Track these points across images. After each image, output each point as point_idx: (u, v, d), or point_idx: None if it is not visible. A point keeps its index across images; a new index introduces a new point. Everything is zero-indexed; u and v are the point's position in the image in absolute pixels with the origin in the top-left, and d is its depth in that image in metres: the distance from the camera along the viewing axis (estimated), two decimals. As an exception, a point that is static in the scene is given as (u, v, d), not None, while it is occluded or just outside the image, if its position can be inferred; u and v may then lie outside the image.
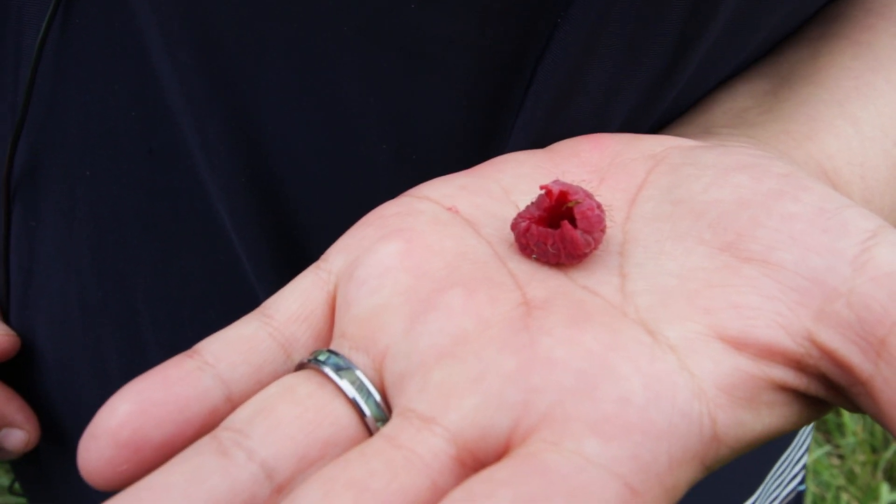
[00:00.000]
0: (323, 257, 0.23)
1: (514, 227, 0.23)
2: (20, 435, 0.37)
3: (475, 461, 0.19)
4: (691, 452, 0.18)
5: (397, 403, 0.20)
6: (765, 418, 0.20)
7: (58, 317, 0.36)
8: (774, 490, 0.47)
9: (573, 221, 0.22)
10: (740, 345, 0.20)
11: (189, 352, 0.21)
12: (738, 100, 0.31)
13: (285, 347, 0.22)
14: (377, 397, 0.20)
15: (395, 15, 0.25)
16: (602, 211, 0.22)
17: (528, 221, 0.23)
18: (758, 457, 0.46)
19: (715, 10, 0.26)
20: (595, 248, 0.22)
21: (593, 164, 0.26)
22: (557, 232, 0.22)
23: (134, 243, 0.33)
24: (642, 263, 0.22)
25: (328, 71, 0.27)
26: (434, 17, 0.25)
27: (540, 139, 0.27)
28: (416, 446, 0.18)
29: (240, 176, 0.30)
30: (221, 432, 0.19)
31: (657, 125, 0.31)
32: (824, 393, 0.20)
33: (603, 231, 0.22)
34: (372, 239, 0.23)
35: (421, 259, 0.22)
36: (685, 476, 0.18)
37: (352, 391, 0.20)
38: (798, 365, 0.20)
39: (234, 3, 0.26)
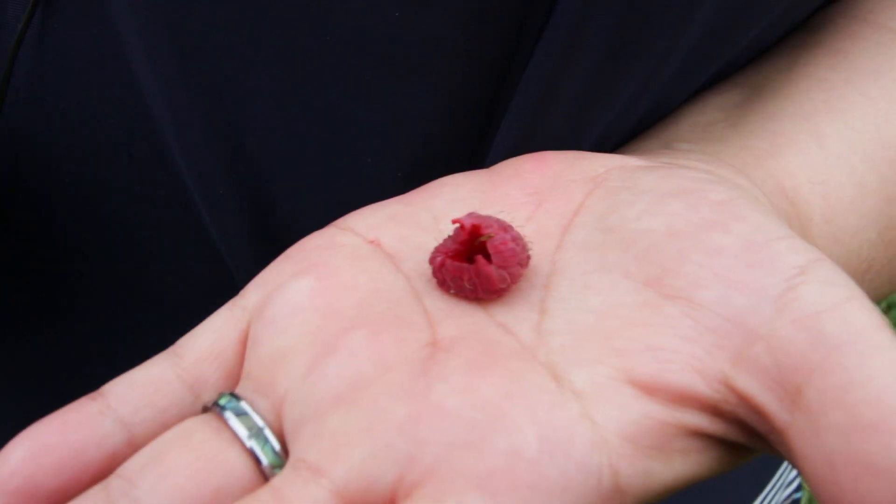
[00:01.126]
0: (241, 293, 0.23)
1: (431, 261, 0.22)
2: None
3: None
4: None
5: (292, 451, 0.19)
6: (677, 466, 0.19)
7: None
8: (773, 499, 0.46)
9: (488, 256, 0.21)
10: (652, 390, 0.19)
11: (93, 394, 0.21)
12: (707, 112, 0.30)
13: (193, 388, 0.21)
14: (275, 444, 0.20)
15: (379, 22, 0.24)
16: (520, 244, 0.21)
17: (443, 256, 0.22)
18: (759, 465, 0.45)
19: (691, 17, 0.25)
20: (513, 283, 0.21)
21: (534, 185, 0.25)
22: (472, 267, 0.21)
23: (114, 251, 0.33)
24: (565, 298, 0.21)
25: (312, 79, 0.26)
26: (418, 24, 0.24)
27: (519, 147, 0.27)
28: (300, 500, 0.18)
29: (223, 183, 0.29)
30: (113, 480, 0.19)
31: (629, 135, 0.30)
32: (744, 438, 0.19)
33: (522, 265, 0.21)
34: (286, 275, 0.22)
35: (332, 297, 0.21)
36: None
37: (247, 438, 0.19)
38: (714, 410, 0.19)
39: (216, 9, 0.26)
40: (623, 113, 0.28)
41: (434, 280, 0.22)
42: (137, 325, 0.35)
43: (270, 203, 0.30)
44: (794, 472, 0.48)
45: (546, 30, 0.24)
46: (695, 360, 0.19)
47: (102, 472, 0.20)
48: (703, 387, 0.18)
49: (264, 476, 0.19)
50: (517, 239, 0.21)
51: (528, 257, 0.22)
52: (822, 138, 0.28)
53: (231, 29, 0.26)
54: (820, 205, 0.27)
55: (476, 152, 0.28)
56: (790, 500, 0.48)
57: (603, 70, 0.25)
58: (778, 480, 0.47)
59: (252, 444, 0.19)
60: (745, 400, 0.18)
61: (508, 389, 0.19)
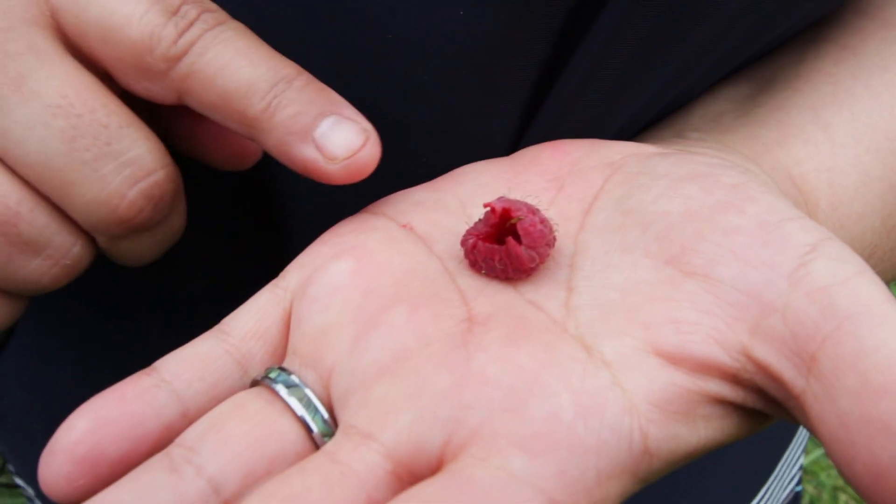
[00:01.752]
0: (281, 275, 0.24)
1: (462, 243, 0.23)
2: None
3: (411, 475, 0.19)
4: (621, 467, 0.19)
5: (341, 419, 0.20)
6: (701, 431, 0.20)
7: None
8: (776, 492, 0.47)
9: (518, 237, 0.22)
10: (676, 360, 0.20)
11: (147, 369, 0.22)
12: (718, 103, 0.31)
13: (241, 364, 0.23)
14: (324, 413, 0.21)
15: (441, 21, 0.25)
16: (547, 226, 0.23)
17: (475, 238, 0.23)
18: (760, 457, 0.46)
19: (727, 21, 0.26)
20: (542, 263, 0.23)
21: (553, 171, 0.26)
22: (503, 248, 0.22)
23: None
24: (590, 276, 0.22)
25: (359, 80, 0.27)
26: (480, 23, 0.25)
27: (546, 138, 0.28)
28: (354, 462, 0.19)
29: (235, 183, 0.30)
30: (174, 449, 0.20)
31: (647, 125, 0.31)
32: (762, 405, 0.20)
33: (549, 245, 0.23)
34: (325, 257, 0.24)
35: (370, 276, 0.23)
36: (615, 489, 0.19)
37: (299, 408, 0.21)
38: (734, 379, 0.20)
39: (275, 7, 0.26)
40: (646, 106, 0.29)
41: (466, 261, 0.24)
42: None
43: (281, 204, 0.30)
44: (797, 466, 0.49)
45: (590, 31, 0.25)
46: (715, 331, 0.20)
47: (160, 441, 0.21)
48: (724, 356, 0.20)
49: (315, 444, 0.21)
50: (545, 221, 0.23)
51: (555, 238, 0.23)
52: (828, 128, 0.29)
53: (287, 25, 0.27)
54: (826, 192, 0.28)
55: (513, 146, 0.29)
56: (792, 493, 0.49)
57: (635, 69, 0.27)
58: (780, 473, 0.48)
59: (303, 413, 0.21)
60: (763, 368, 0.19)
61: (543, 359, 0.20)
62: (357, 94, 0.26)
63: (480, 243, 0.23)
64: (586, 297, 0.22)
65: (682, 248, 0.21)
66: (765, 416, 0.21)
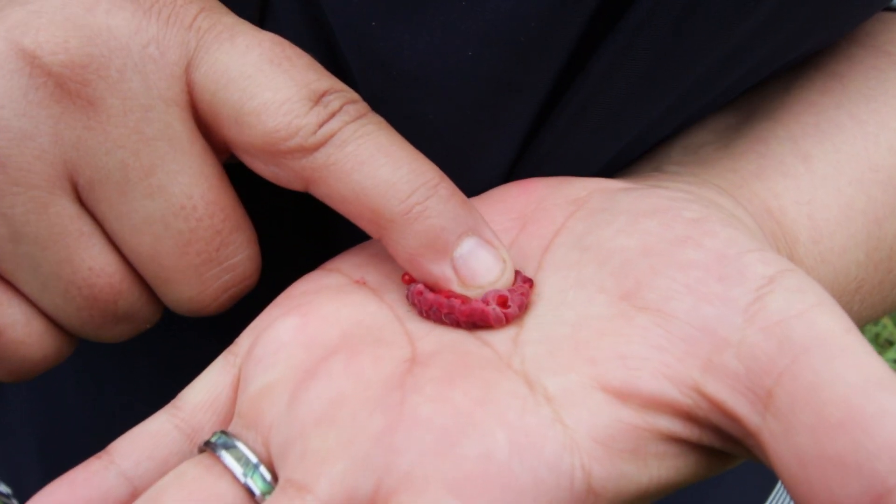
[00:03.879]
0: (234, 342, 0.24)
1: (407, 295, 0.23)
2: None
3: None
4: None
5: (281, 475, 0.20)
6: (653, 470, 0.19)
7: None
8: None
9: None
10: (623, 395, 0.19)
11: (100, 453, 0.22)
12: (700, 134, 0.31)
13: (191, 437, 0.22)
14: (265, 474, 0.20)
15: (451, 63, 0.25)
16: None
17: (420, 285, 0.22)
18: (760, 476, 0.45)
19: (728, 61, 0.26)
20: (508, 322, 0.22)
21: (518, 210, 0.25)
22: (453, 301, 0.22)
23: None
24: (542, 313, 0.22)
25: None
26: (489, 63, 0.24)
27: (539, 169, 0.27)
28: None
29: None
30: None
31: (628, 158, 0.30)
32: (720, 443, 0.19)
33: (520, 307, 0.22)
34: (273, 317, 0.23)
35: (315, 331, 0.22)
36: None
37: (237, 469, 0.20)
38: (687, 416, 0.19)
39: None
40: (637, 140, 0.29)
41: (413, 309, 0.23)
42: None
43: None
44: None
45: (584, 69, 0.25)
46: (665, 367, 0.19)
47: None
48: (675, 393, 0.19)
49: None
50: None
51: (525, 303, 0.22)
52: (808, 160, 0.28)
53: None
54: (806, 225, 0.27)
55: (507, 177, 0.28)
56: None
57: (628, 106, 0.26)
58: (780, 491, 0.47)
59: (242, 474, 0.20)
60: (716, 405, 0.18)
61: (480, 396, 0.19)
62: None
63: (426, 291, 0.22)
64: (535, 333, 0.21)
65: (636, 283, 0.21)
66: (726, 455, 0.20)
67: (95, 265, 0.22)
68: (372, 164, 0.22)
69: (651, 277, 0.21)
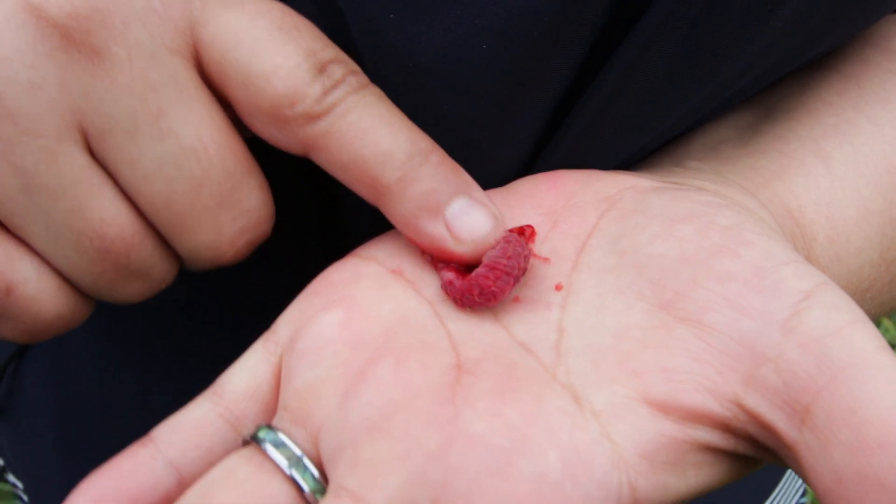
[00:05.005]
0: (272, 328, 0.24)
1: (442, 287, 0.24)
2: None
3: None
4: None
5: (332, 478, 0.20)
6: (690, 479, 0.20)
7: None
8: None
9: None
10: (666, 409, 0.20)
11: (143, 439, 0.22)
12: (720, 131, 0.31)
13: (235, 426, 0.23)
14: (314, 472, 0.21)
15: (466, 55, 0.25)
16: (513, 260, 0.23)
17: (452, 274, 0.23)
18: (764, 473, 0.45)
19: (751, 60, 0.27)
20: (506, 291, 0.23)
21: (548, 205, 0.26)
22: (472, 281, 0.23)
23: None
24: (582, 319, 0.22)
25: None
26: (504, 56, 0.25)
27: (562, 164, 0.28)
28: None
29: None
30: None
31: (647, 153, 0.31)
32: (754, 452, 0.20)
33: (511, 276, 0.23)
34: (315, 308, 0.24)
35: (359, 328, 0.23)
36: None
37: (288, 468, 0.21)
38: (726, 428, 0.20)
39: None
40: (657, 137, 0.29)
41: (450, 300, 0.24)
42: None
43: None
44: (799, 482, 0.49)
45: (608, 63, 0.25)
46: (707, 380, 0.20)
47: None
48: (716, 406, 0.19)
49: (307, 503, 0.21)
50: (512, 255, 0.23)
51: (522, 269, 0.23)
52: (828, 161, 0.29)
53: None
54: (824, 225, 0.28)
55: (525, 170, 0.29)
56: None
57: (650, 104, 0.27)
58: (783, 486, 0.47)
59: (293, 472, 0.21)
60: (755, 418, 0.19)
61: (531, 413, 0.20)
62: None
63: (455, 280, 0.23)
64: (578, 341, 0.22)
65: (675, 294, 0.21)
66: (756, 460, 0.21)
67: (107, 215, 0.22)
68: (372, 134, 0.23)
69: (690, 288, 0.21)
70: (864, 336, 0.19)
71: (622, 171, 0.27)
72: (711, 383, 0.20)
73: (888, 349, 0.19)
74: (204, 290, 0.34)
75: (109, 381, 0.40)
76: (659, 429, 0.19)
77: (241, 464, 0.21)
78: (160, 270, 0.24)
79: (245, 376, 0.23)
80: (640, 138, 0.28)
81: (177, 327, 0.35)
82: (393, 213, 0.23)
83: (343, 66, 0.23)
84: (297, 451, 0.21)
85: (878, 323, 1.35)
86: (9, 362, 0.43)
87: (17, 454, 0.47)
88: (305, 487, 0.21)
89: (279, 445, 0.21)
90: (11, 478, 0.49)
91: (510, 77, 0.25)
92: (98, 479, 0.22)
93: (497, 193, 0.27)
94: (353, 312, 0.23)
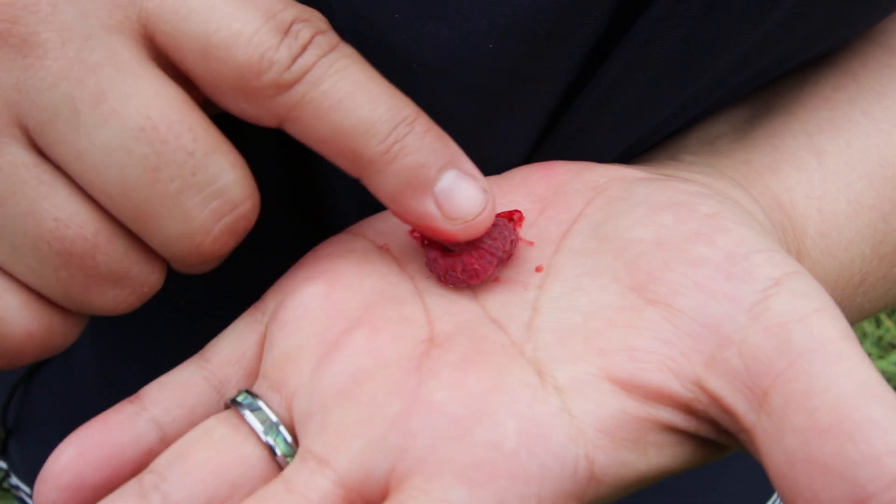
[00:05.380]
0: (261, 299, 0.25)
1: (426, 263, 0.24)
2: None
3: (364, 501, 0.20)
4: (564, 494, 0.19)
5: (301, 442, 0.21)
6: (651, 458, 0.20)
7: None
8: None
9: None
10: (629, 387, 0.20)
11: (132, 396, 0.23)
12: (716, 126, 0.31)
13: (218, 389, 0.24)
14: (286, 436, 0.22)
15: (471, 54, 0.25)
16: (500, 239, 0.24)
17: (434, 252, 0.24)
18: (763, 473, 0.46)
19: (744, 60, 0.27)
20: (489, 270, 0.23)
21: (539, 193, 0.26)
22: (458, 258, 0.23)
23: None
24: (556, 298, 0.23)
25: None
26: (509, 56, 0.25)
27: (557, 157, 0.28)
28: (308, 490, 0.20)
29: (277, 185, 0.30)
30: (146, 475, 0.21)
31: (644, 147, 0.31)
32: (715, 435, 0.20)
33: (495, 256, 0.23)
34: (299, 280, 0.24)
35: (339, 299, 0.23)
36: None
37: (262, 431, 0.21)
38: (687, 409, 0.20)
39: None
40: (654, 131, 0.29)
41: (433, 276, 0.24)
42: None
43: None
44: None
45: (608, 60, 0.26)
46: (671, 361, 0.20)
47: (139, 467, 0.22)
48: (678, 386, 0.20)
49: (279, 466, 0.21)
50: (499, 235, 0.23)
51: (509, 252, 0.24)
52: (821, 155, 0.29)
53: None
54: (815, 218, 0.28)
55: (526, 163, 0.29)
56: None
57: (648, 99, 0.27)
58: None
59: (266, 437, 0.21)
60: (716, 400, 0.19)
61: (493, 384, 0.20)
62: None
63: (440, 257, 0.24)
64: (549, 319, 0.22)
65: (648, 276, 0.22)
66: (720, 445, 0.21)
67: (62, 215, 0.21)
68: (349, 103, 0.21)
69: (662, 271, 0.21)
70: (829, 324, 0.19)
71: (615, 164, 0.27)
72: (675, 364, 0.20)
73: (853, 338, 0.19)
74: (207, 292, 0.35)
75: (114, 388, 0.40)
76: (620, 406, 0.20)
77: (218, 425, 0.22)
78: (139, 273, 0.22)
79: (231, 343, 0.24)
80: (637, 131, 0.28)
81: (178, 331, 0.36)
82: (378, 188, 0.22)
83: (309, 26, 0.21)
84: (272, 416, 0.22)
85: (878, 322, 1.35)
86: (17, 386, 0.44)
87: (27, 463, 0.48)
88: (278, 451, 0.21)
89: (255, 410, 0.22)
90: (14, 480, 0.50)
91: (514, 75, 0.25)
92: (85, 431, 0.22)
93: (491, 181, 0.27)
94: (334, 285, 0.24)
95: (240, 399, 0.22)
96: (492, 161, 0.28)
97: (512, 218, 0.25)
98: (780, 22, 0.26)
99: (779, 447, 0.18)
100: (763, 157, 0.29)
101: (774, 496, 0.47)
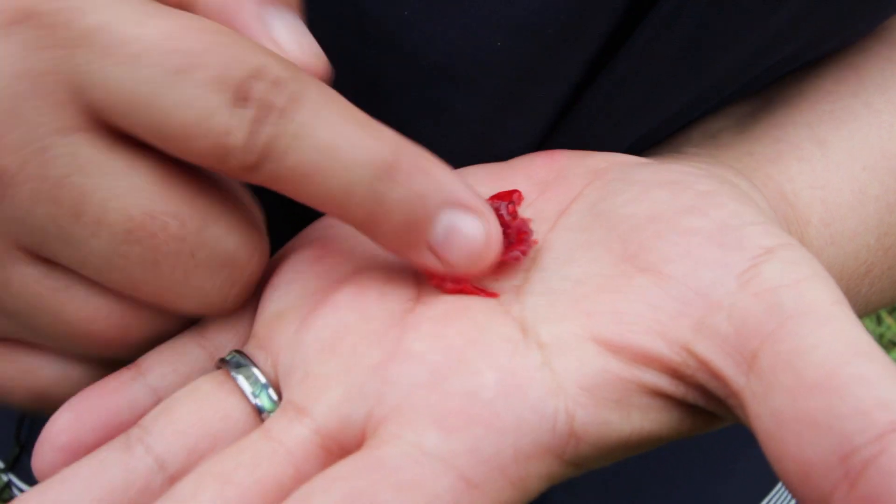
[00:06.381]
0: None
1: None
2: None
3: (340, 448, 0.20)
4: (542, 447, 0.19)
5: (284, 396, 0.21)
6: (635, 421, 0.20)
7: None
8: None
9: None
10: (614, 348, 0.20)
11: (130, 364, 0.24)
12: (718, 119, 0.31)
13: (213, 355, 0.24)
14: (271, 391, 0.22)
15: (478, 52, 0.25)
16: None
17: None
18: (761, 472, 0.46)
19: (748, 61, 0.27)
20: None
21: (540, 177, 0.26)
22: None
23: None
24: (548, 268, 0.23)
25: (392, 106, 0.27)
26: (517, 54, 0.25)
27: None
28: (285, 438, 0.20)
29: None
30: (133, 430, 0.21)
31: (650, 141, 0.31)
32: (704, 402, 0.20)
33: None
34: (294, 247, 0.24)
35: (330, 263, 0.23)
36: (535, 469, 0.19)
37: (247, 386, 0.21)
38: (675, 373, 0.20)
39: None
40: (658, 129, 0.29)
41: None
42: None
43: None
44: None
45: (614, 58, 0.26)
46: (658, 324, 0.20)
47: None
48: (665, 349, 0.20)
49: (263, 422, 0.21)
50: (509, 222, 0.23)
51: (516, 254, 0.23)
52: (824, 145, 0.29)
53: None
54: (819, 209, 0.28)
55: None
56: None
57: (654, 97, 0.27)
58: (780, 489, 0.47)
59: (251, 393, 0.21)
60: (704, 364, 0.19)
61: (474, 337, 0.20)
62: (389, 120, 0.25)
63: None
64: (538, 286, 0.22)
65: (639, 247, 0.22)
66: (711, 415, 0.21)
67: (86, 314, 0.21)
68: (319, 175, 0.19)
69: (654, 241, 0.21)
70: (820, 290, 0.19)
71: (617, 153, 0.27)
72: (662, 327, 0.20)
73: (844, 303, 0.19)
74: None
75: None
76: (604, 365, 0.20)
77: (204, 383, 0.22)
78: (169, 329, 0.23)
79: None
80: (644, 128, 0.28)
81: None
82: (375, 242, 0.21)
83: (264, 80, 0.19)
84: (257, 373, 0.22)
85: (879, 320, 1.35)
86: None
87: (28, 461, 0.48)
88: (263, 406, 0.21)
89: (241, 367, 0.22)
90: (21, 484, 0.50)
91: (523, 74, 0.25)
92: (83, 395, 0.23)
93: (494, 167, 0.27)
94: (326, 249, 0.24)
95: (228, 358, 0.22)
96: (498, 157, 0.28)
97: (511, 197, 0.25)
98: (789, 19, 0.26)
99: (767, 407, 0.18)
100: (765, 149, 0.29)
101: (772, 494, 0.47)
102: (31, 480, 0.49)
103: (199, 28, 0.19)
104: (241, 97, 0.19)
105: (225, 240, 0.21)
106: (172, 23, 0.18)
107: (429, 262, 0.21)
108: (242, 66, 0.19)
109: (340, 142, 0.19)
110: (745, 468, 0.44)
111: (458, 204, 0.21)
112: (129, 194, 0.20)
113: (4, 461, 0.48)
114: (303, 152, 0.19)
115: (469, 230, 0.21)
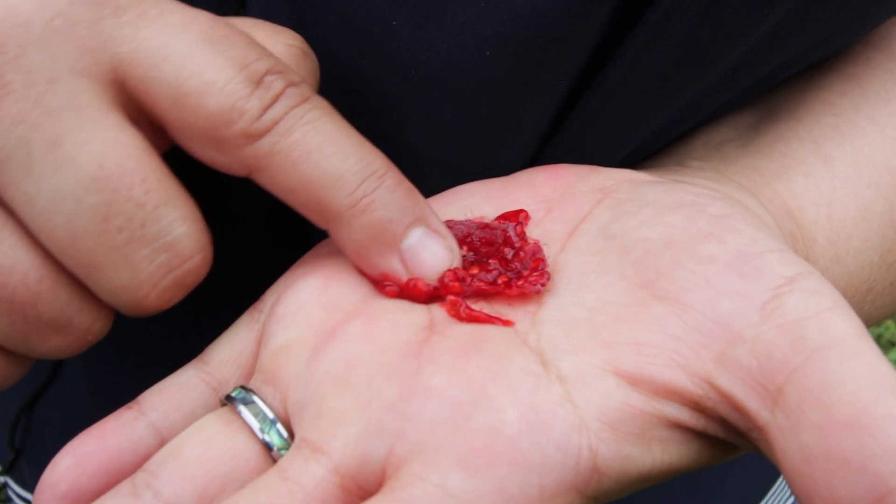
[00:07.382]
0: (260, 298, 0.24)
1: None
2: None
3: (359, 488, 0.19)
4: (566, 484, 0.18)
5: (297, 432, 0.20)
6: (657, 454, 0.19)
7: None
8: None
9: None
10: (635, 381, 0.19)
11: (130, 403, 0.23)
12: (721, 131, 0.31)
13: (216, 390, 0.23)
14: (281, 429, 0.21)
15: (468, 63, 0.25)
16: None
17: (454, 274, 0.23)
18: (762, 468, 0.45)
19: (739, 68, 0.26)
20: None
21: (545, 194, 0.26)
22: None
23: None
24: (562, 293, 0.22)
25: (383, 116, 0.27)
26: (506, 64, 0.24)
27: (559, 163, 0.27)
28: (302, 478, 0.19)
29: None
30: (139, 474, 0.20)
31: (647, 153, 0.31)
32: (725, 434, 0.20)
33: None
34: (297, 276, 0.24)
35: (337, 294, 0.23)
36: None
37: (255, 424, 0.21)
38: (696, 406, 0.19)
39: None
40: (654, 137, 0.29)
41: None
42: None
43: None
44: None
45: (605, 68, 0.25)
46: (679, 356, 0.19)
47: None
48: (686, 382, 0.19)
49: (273, 460, 0.21)
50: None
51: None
52: (829, 161, 0.28)
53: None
54: (824, 226, 0.28)
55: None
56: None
57: (646, 106, 0.26)
58: (777, 489, 0.47)
59: (259, 430, 0.21)
60: (726, 398, 0.19)
61: (494, 371, 0.20)
62: (380, 130, 0.25)
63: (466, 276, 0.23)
64: (554, 313, 0.22)
65: (657, 274, 0.21)
66: (730, 446, 0.20)
67: (5, 262, 0.20)
68: (319, 155, 0.21)
69: (671, 269, 0.21)
70: (844, 321, 0.18)
71: (621, 168, 0.27)
72: (684, 360, 0.19)
73: (867, 335, 0.18)
74: (198, 302, 0.34)
75: (106, 398, 0.40)
76: (625, 399, 0.19)
77: (211, 421, 0.21)
78: (82, 322, 0.21)
79: (229, 344, 0.23)
80: (638, 137, 0.28)
81: (166, 343, 0.35)
82: (343, 241, 0.22)
83: (282, 78, 0.21)
84: (265, 408, 0.21)
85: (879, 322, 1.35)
86: (23, 411, 0.44)
87: (35, 473, 0.47)
88: (272, 445, 0.21)
89: (249, 404, 0.21)
90: (16, 487, 0.49)
91: (513, 83, 0.25)
92: (83, 439, 0.22)
93: (495, 183, 0.27)
94: (331, 279, 0.23)
95: (234, 394, 0.22)
96: (492, 169, 0.27)
97: (517, 217, 0.24)
98: (775, 28, 0.25)
99: (795, 443, 0.17)
100: (770, 164, 0.29)
101: (770, 494, 0.47)
102: (27, 484, 0.48)
103: (236, 29, 0.21)
104: (259, 82, 0.20)
105: (177, 225, 0.21)
106: (214, 17, 0.21)
107: (394, 266, 0.22)
108: (265, 61, 0.21)
109: (342, 137, 0.21)
110: (745, 460, 0.43)
111: (434, 227, 0.22)
112: (110, 146, 0.20)
113: (0, 465, 0.48)
114: (307, 133, 0.21)
115: (437, 249, 0.22)
